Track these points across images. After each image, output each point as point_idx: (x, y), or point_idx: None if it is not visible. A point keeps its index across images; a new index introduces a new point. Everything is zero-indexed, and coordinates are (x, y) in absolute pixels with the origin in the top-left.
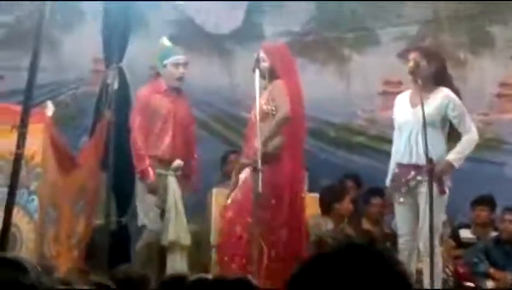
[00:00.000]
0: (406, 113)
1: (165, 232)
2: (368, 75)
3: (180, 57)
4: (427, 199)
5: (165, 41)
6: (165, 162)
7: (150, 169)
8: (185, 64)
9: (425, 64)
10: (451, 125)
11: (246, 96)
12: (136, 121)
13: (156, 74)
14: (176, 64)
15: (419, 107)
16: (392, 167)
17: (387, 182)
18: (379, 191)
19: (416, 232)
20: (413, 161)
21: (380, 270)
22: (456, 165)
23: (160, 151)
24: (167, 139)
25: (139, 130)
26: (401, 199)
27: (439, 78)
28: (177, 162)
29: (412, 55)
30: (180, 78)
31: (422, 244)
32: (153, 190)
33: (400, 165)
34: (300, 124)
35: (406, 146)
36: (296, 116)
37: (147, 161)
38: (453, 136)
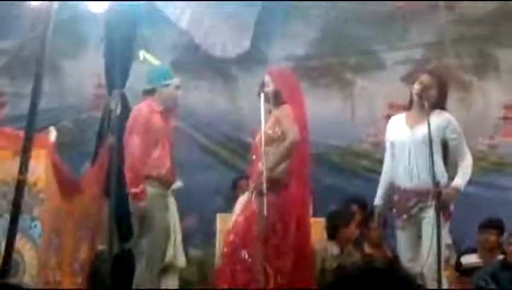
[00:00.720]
0: (403, 134)
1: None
2: (373, 99)
3: (179, 79)
4: (433, 224)
5: (152, 59)
6: (166, 183)
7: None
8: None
9: (433, 87)
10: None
11: (250, 121)
12: (135, 140)
13: (147, 93)
14: (177, 86)
15: (417, 129)
16: (382, 186)
17: (376, 201)
18: (380, 215)
19: (419, 258)
20: (414, 185)
21: None
22: (462, 189)
23: (163, 171)
24: (167, 160)
25: (139, 151)
26: (402, 226)
27: (442, 101)
28: (178, 184)
29: (422, 78)
30: (176, 100)
31: (427, 269)
32: (142, 214)
33: (399, 190)
34: (306, 148)
35: (406, 169)
36: (302, 140)
37: (142, 184)
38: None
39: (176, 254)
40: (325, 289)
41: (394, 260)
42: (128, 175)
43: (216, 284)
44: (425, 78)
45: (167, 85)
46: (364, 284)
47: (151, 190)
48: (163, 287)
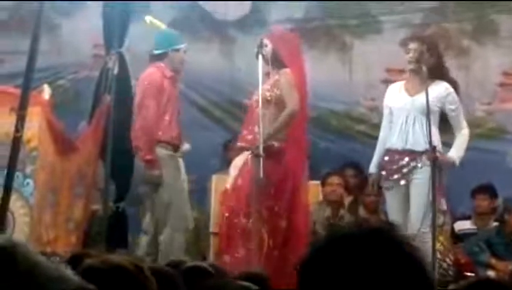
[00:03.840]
0: (402, 101)
1: None
2: (370, 63)
3: (186, 44)
4: (428, 186)
5: (159, 23)
6: (175, 147)
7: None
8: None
9: (427, 54)
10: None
11: (248, 83)
12: (149, 105)
13: (155, 57)
14: (185, 51)
15: (417, 96)
16: (378, 154)
17: (371, 168)
18: (376, 180)
19: (408, 219)
20: (408, 147)
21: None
22: (457, 163)
23: (174, 135)
24: (176, 124)
25: (153, 115)
26: (391, 187)
27: (438, 70)
28: (186, 146)
29: (410, 46)
30: (183, 64)
31: (418, 232)
32: (157, 181)
33: (391, 152)
34: (304, 114)
35: (400, 133)
36: (301, 107)
37: (155, 151)
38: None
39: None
40: (313, 252)
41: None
42: (142, 139)
43: (217, 249)
44: (413, 45)
45: (177, 50)
46: (354, 246)
47: (164, 152)
48: None
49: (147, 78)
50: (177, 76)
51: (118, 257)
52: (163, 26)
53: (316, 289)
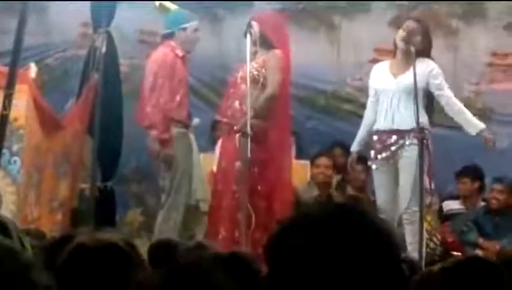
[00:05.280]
0: (387, 81)
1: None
2: (358, 43)
3: (196, 22)
4: (415, 165)
5: (170, 5)
6: (186, 126)
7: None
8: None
9: (419, 33)
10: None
11: (236, 62)
12: (163, 84)
13: (166, 37)
14: (195, 30)
15: (401, 77)
16: (361, 133)
17: (353, 147)
18: (362, 159)
19: (396, 199)
20: (395, 127)
21: (358, 229)
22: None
23: (184, 114)
24: (186, 103)
25: (168, 94)
26: (379, 166)
27: (427, 48)
28: (196, 120)
29: (407, 23)
30: (195, 43)
31: (406, 212)
32: (169, 159)
33: (379, 132)
34: (287, 94)
35: (387, 113)
36: (284, 88)
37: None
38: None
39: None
40: (279, 230)
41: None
42: (157, 118)
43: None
44: (410, 23)
45: (184, 29)
46: (318, 223)
47: (176, 130)
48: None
49: (160, 58)
50: (188, 55)
51: (108, 234)
52: (173, 8)
53: (283, 267)
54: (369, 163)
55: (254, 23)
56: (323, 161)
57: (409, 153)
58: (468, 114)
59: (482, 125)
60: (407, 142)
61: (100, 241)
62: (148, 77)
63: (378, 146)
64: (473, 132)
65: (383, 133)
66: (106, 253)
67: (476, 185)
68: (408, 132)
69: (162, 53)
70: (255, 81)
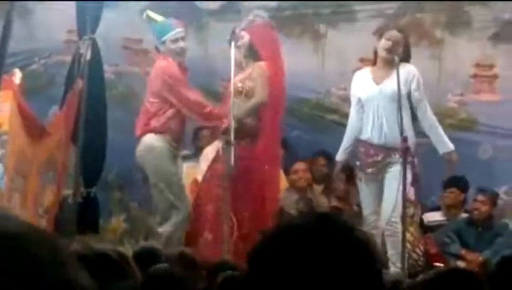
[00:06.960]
0: (370, 90)
1: None
2: (343, 52)
3: (177, 30)
4: (398, 178)
5: (156, 16)
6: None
7: None
8: (184, 38)
9: (401, 43)
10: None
11: (221, 70)
12: (186, 92)
13: (158, 50)
14: (175, 40)
15: (384, 85)
16: (346, 142)
17: (338, 156)
18: (346, 168)
19: (379, 211)
20: (383, 141)
21: (340, 240)
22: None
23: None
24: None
25: (197, 97)
26: (365, 180)
27: (407, 56)
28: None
29: (391, 33)
30: (180, 53)
31: (389, 223)
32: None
33: (367, 144)
34: (280, 106)
35: (373, 124)
36: (277, 97)
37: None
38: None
39: None
40: (261, 241)
41: (358, 213)
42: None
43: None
44: (394, 33)
45: (163, 42)
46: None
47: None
48: None
49: (166, 71)
50: (181, 65)
51: (100, 245)
52: (160, 19)
53: (265, 277)
54: (356, 173)
55: (243, 34)
56: (300, 165)
57: (395, 167)
58: (440, 131)
59: (450, 146)
60: (394, 160)
61: (93, 250)
62: (149, 88)
63: (365, 159)
64: (440, 150)
65: (370, 147)
66: (97, 263)
67: (462, 196)
68: (396, 149)
69: (166, 68)
70: (239, 93)
